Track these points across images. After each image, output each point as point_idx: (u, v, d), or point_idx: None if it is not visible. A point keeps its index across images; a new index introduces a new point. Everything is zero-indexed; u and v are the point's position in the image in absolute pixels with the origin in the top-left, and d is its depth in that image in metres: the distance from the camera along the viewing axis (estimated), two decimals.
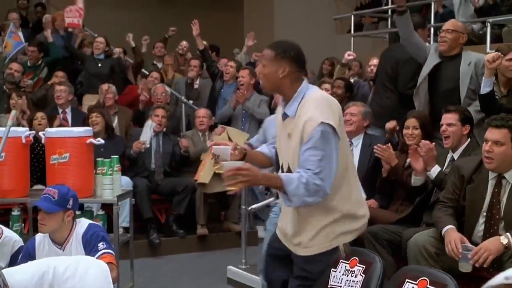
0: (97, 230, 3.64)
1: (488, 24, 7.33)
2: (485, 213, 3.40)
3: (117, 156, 4.74)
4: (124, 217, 5.65)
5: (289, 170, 2.94)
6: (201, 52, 8.06)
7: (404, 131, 4.48)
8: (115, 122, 6.98)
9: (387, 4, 10.15)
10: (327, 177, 2.80)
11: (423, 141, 4.12)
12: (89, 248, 3.54)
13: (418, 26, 5.30)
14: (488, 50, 7.25)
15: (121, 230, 5.60)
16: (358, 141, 4.86)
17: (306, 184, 2.76)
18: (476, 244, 3.32)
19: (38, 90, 7.60)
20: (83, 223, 3.66)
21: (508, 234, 3.22)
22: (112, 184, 4.60)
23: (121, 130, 6.97)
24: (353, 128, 4.81)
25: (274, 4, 11.41)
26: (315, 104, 2.85)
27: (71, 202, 3.56)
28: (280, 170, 3.04)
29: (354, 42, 9.91)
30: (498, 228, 3.34)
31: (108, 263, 3.36)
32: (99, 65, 7.86)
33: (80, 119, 6.66)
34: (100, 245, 3.56)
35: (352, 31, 10.06)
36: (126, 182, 5.86)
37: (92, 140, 4.55)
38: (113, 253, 3.59)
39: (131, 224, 5.11)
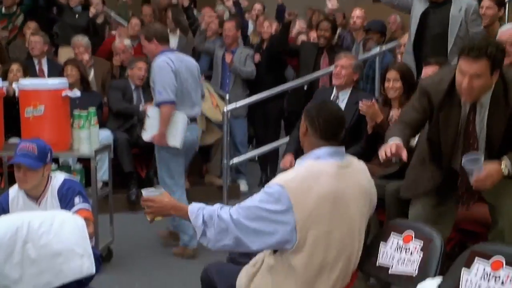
0: (73, 184, 3.56)
1: None
2: (462, 139, 3.24)
3: (94, 109, 4.62)
4: (103, 171, 5.55)
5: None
6: (185, 9, 7.83)
7: (386, 84, 4.39)
8: (91, 75, 6.80)
9: None
10: None
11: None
12: (65, 202, 3.47)
13: None
14: None
15: (100, 184, 5.54)
16: (344, 96, 4.72)
17: None
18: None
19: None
20: (58, 178, 3.57)
21: (508, 160, 3.10)
22: (89, 138, 4.50)
23: (97, 83, 6.79)
24: (343, 81, 4.68)
25: None
26: None
27: (49, 155, 3.47)
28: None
29: None
30: (478, 148, 3.20)
31: (84, 218, 3.29)
32: (76, 16, 7.64)
33: (57, 71, 6.48)
34: (76, 199, 3.49)
35: None
36: (106, 136, 5.78)
37: (68, 92, 4.42)
38: (89, 208, 3.53)
39: (110, 178, 5.01)
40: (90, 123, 4.52)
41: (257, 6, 8.51)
